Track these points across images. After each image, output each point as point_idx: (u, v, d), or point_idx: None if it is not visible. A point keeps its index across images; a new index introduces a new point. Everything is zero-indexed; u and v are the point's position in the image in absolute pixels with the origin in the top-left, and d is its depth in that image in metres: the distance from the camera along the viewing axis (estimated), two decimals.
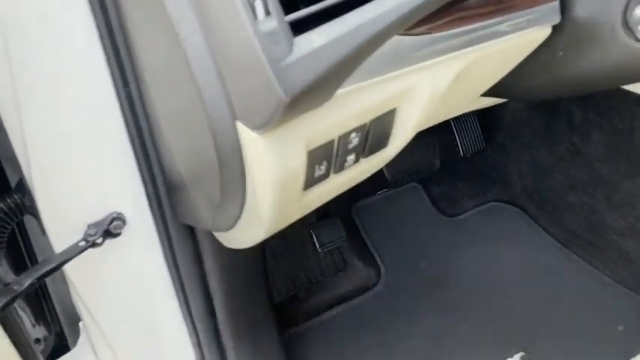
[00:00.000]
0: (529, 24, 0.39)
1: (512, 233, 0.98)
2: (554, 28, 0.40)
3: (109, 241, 0.52)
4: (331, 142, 0.35)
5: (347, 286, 0.89)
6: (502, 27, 0.37)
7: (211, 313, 0.63)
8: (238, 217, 0.43)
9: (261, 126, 0.31)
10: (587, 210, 0.90)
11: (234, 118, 0.31)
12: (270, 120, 0.30)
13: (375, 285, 0.89)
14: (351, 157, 0.38)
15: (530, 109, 0.95)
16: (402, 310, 0.87)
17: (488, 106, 0.61)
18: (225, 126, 0.32)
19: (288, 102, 0.28)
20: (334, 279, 0.89)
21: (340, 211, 0.93)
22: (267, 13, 0.27)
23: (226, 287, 0.63)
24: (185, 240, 0.55)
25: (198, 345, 0.64)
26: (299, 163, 0.34)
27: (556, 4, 0.38)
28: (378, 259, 0.91)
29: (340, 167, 0.37)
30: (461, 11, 0.36)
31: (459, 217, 0.99)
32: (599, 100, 0.78)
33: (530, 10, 0.39)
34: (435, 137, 0.97)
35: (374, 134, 0.37)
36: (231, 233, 0.47)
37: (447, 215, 0.99)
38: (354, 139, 0.36)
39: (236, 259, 0.63)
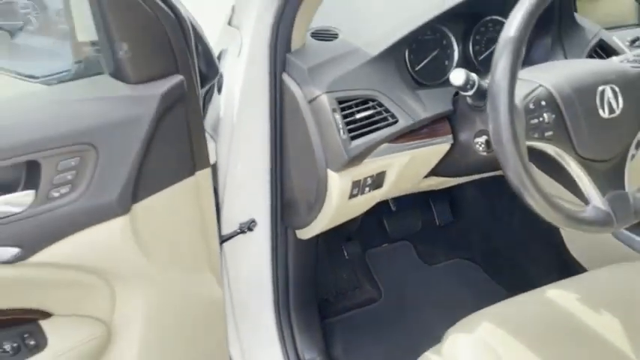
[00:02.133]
0: (441, 142, 0.96)
1: (469, 280, 1.50)
2: (451, 145, 0.97)
3: (245, 235, 1.07)
4: (360, 180, 0.91)
5: (360, 298, 1.40)
6: (428, 142, 0.95)
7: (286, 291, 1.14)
8: (317, 216, 0.97)
9: (336, 170, 0.88)
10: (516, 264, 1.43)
11: (327, 166, 0.88)
12: (340, 168, 0.87)
13: (377, 300, 1.41)
14: (367, 189, 0.94)
15: (482, 194, 1.52)
16: (395, 316, 1.37)
17: (432, 187, 1.18)
18: (322, 168, 0.88)
19: (347, 161, 0.85)
20: (352, 292, 1.41)
21: (358, 254, 1.47)
22: (346, 132, 0.85)
23: (299, 281, 1.14)
24: (283, 239, 1.08)
25: (278, 317, 1.13)
26: (348, 186, 0.90)
27: (450, 136, 0.96)
28: (379, 284, 1.44)
29: (362, 192, 0.93)
30: (413, 135, 0.94)
31: (435, 265, 1.52)
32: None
33: (442, 138, 0.96)
34: (419, 212, 1.54)
35: (376, 180, 0.94)
36: (309, 227, 1.01)
37: (426, 264, 1.52)
38: (369, 180, 0.92)
39: (306, 260, 1.15)
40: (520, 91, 0.76)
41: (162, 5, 0.70)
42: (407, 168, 0.96)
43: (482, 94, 0.82)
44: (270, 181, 1.00)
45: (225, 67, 0.94)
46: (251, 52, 0.90)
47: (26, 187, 0.65)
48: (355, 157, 0.86)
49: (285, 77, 0.90)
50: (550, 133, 0.77)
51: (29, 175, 0.64)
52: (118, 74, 0.71)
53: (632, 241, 1.06)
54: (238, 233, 1.04)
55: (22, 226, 0.64)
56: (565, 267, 1.27)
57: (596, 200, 0.79)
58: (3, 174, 0.63)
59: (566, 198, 0.82)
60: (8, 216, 0.63)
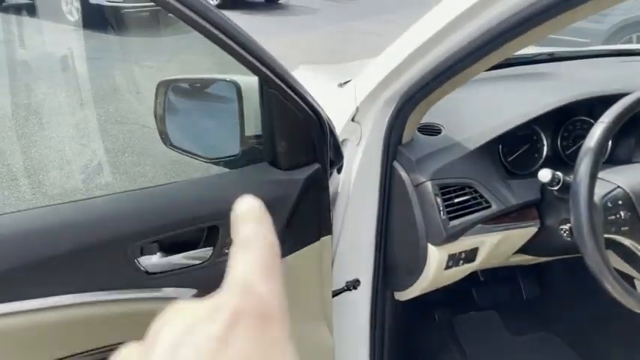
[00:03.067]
0: (529, 226, 1.10)
1: (553, 353, 1.56)
2: (538, 228, 1.10)
3: (350, 292, 1.25)
4: (455, 254, 1.07)
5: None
6: (517, 225, 1.09)
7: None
8: (415, 281, 1.14)
9: (435, 244, 1.04)
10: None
11: (427, 240, 1.05)
12: (439, 243, 1.03)
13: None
14: (461, 262, 1.09)
15: (569, 271, 1.59)
16: None
17: (520, 263, 1.30)
18: (424, 243, 1.05)
19: (445, 237, 1.02)
20: (439, 355, 1.52)
21: (446, 319, 1.59)
22: (445, 213, 1.02)
23: (394, 339, 1.30)
24: (382, 298, 1.25)
25: None
26: (444, 259, 1.06)
27: (538, 220, 1.09)
28: (465, 350, 1.54)
29: (457, 264, 1.09)
30: (504, 218, 1.09)
31: (520, 337, 1.60)
32: None
33: (530, 222, 1.10)
34: (507, 284, 1.64)
35: (469, 255, 1.09)
36: (407, 290, 1.17)
37: (511, 334, 1.60)
38: (463, 255, 1.08)
39: (401, 319, 1.31)
40: (600, 190, 0.90)
41: (310, 112, 0.93)
42: (497, 246, 1.10)
43: (566, 187, 0.97)
44: (375, 248, 1.18)
45: (346, 153, 1.16)
46: (368, 143, 1.11)
47: (205, 245, 0.88)
48: (452, 235, 1.02)
49: (396, 165, 1.09)
50: (626, 228, 0.89)
51: (209, 236, 0.88)
52: (275, 163, 0.94)
53: None
54: (345, 290, 1.22)
55: (201, 274, 0.86)
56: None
57: None
58: (191, 235, 0.87)
59: None
60: (192, 266, 0.86)
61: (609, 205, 0.89)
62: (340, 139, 1.19)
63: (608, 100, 1.13)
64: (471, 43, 0.80)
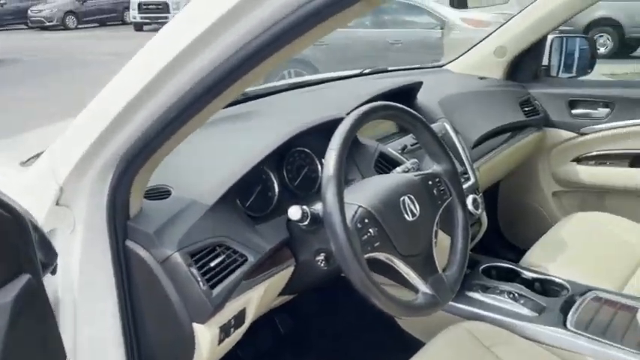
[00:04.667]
0: (287, 266, 1.06)
1: None
2: (295, 266, 1.07)
3: None
4: (225, 323, 0.94)
5: None
6: (277, 270, 1.03)
7: None
8: None
9: (202, 322, 0.89)
10: None
11: (191, 320, 0.89)
12: (207, 318, 0.89)
13: None
14: (232, 329, 0.97)
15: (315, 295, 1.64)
16: None
17: (281, 303, 1.26)
18: (186, 324, 0.89)
19: (213, 310, 0.88)
20: None
21: None
22: (205, 282, 0.88)
23: None
24: None
25: None
26: (216, 334, 0.92)
27: (292, 259, 1.06)
28: None
29: (228, 334, 0.96)
30: (263, 267, 1.02)
31: None
32: None
33: (286, 262, 1.06)
34: (266, 327, 1.59)
35: (238, 318, 0.98)
36: None
37: None
38: (233, 321, 0.96)
39: None
40: (347, 214, 0.91)
41: None
42: (263, 298, 1.02)
43: (314, 219, 0.95)
44: (125, 349, 0.96)
45: (58, 248, 0.90)
46: (87, 227, 0.88)
47: None
48: (219, 305, 0.89)
49: (130, 244, 0.90)
50: (378, 243, 0.93)
51: None
52: None
53: (450, 306, 1.28)
54: None
55: None
56: (402, 343, 1.44)
57: (423, 287, 0.97)
58: None
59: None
60: None
61: (359, 225, 0.91)
62: (46, 231, 0.92)
63: (318, 129, 1.19)
64: (204, 79, 0.70)
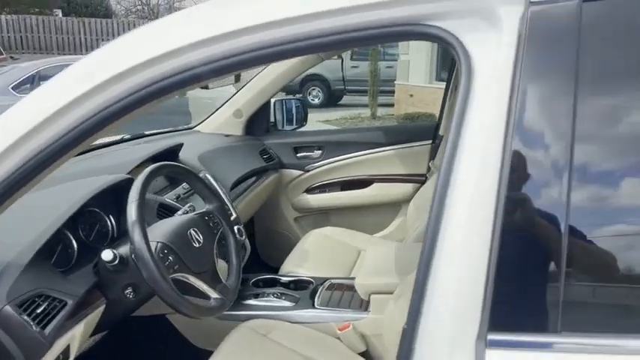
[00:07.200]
0: (99, 305, 1.27)
1: None
2: (106, 304, 1.29)
3: None
4: None
5: None
6: (92, 309, 1.24)
7: None
8: None
9: None
10: None
11: None
12: (42, 355, 1.05)
13: None
14: None
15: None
16: None
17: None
18: None
19: (48, 346, 1.05)
20: None
21: None
22: (36, 325, 1.05)
23: None
24: None
25: None
26: None
27: (103, 298, 1.28)
28: None
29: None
30: (80, 309, 1.21)
31: None
32: None
33: (98, 302, 1.27)
34: None
35: (64, 356, 1.15)
36: None
37: None
38: (61, 357, 1.13)
39: None
40: (152, 247, 1.20)
41: None
42: (83, 335, 1.21)
43: (122, 259, 1.22)
44: None
45: None
46: None
47: None
48: (53, 340, 1.07)
49: None
50: (177, 266, 1.24)
51: None
52: None
53: (231, 315, 1.64)
54: None
55: None
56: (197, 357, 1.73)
57: (213, 294, 1.32)
58: None
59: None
60: None
61: (161, 255, 1.21)
62: None
63: (106, 191, 1.43)
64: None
